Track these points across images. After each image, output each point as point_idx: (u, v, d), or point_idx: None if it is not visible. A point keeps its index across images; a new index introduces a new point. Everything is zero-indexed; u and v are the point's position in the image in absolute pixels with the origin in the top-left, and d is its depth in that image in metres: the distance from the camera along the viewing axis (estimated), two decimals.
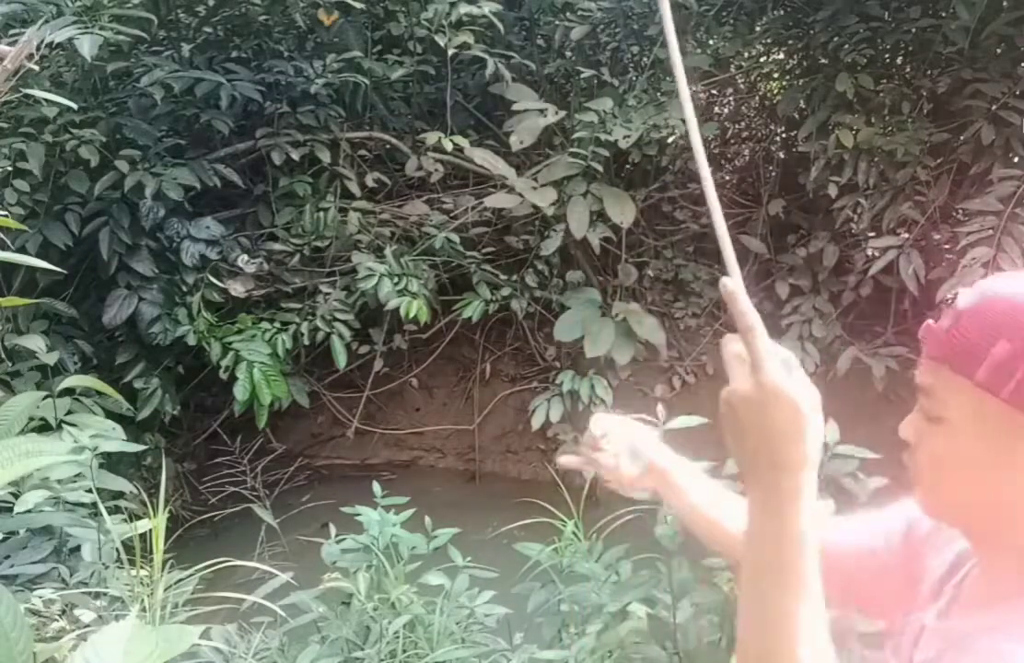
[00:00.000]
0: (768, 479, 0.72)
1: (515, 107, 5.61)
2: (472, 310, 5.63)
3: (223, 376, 5.15)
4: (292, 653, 2.48)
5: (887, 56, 5.77)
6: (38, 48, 3.41)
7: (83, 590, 2.25)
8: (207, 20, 5.72)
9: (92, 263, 5.10)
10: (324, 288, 5.64)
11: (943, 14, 5.11)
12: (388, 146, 6.10)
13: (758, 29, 6.28)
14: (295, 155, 5.50)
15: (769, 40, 6.47)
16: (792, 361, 0.74)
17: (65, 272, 3.99)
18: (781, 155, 6.61)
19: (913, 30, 5.37)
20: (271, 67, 5.56)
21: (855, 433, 1.78)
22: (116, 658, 1.14)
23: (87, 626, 2.09)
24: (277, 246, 5.64)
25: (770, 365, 0.71)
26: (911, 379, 0.88)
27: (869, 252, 5.28)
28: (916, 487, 0.88)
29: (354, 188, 5.73)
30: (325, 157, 5.62)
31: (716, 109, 7.14)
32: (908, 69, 5.79)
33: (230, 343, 5.19)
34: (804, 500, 0.72)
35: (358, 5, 5.30)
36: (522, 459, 6.19)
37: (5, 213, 3.03)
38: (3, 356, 4.27)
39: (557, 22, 6.15)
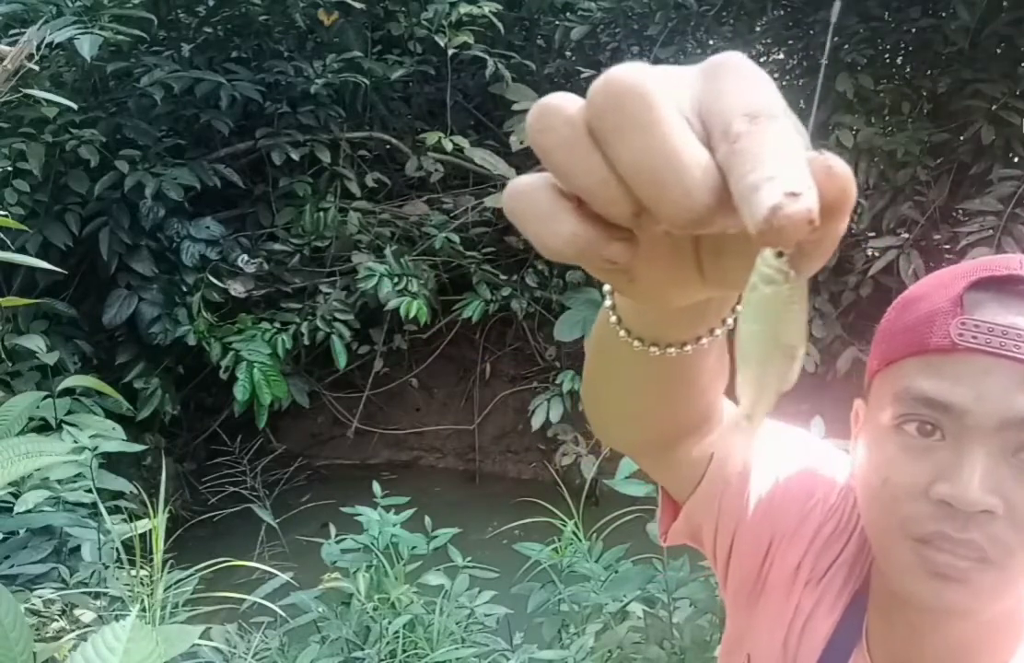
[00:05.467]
0: None
1: (515, 107, 5.61)
2: (472, 310, 5.62)
3: (223, 376, 5.14)
4: (292, 653, 2.48)
5: (887, 56, 5.77)
6: (38, 48, 3.41)
7: (83, 590, 2.26)
8: (207, 20, 5.72)
9: (92, 263, 5.10)
10: (324, 288, 5.64)
11: (943, 14, 5.11)
12: (388, 146, 6.09)
13: (758, 29, 6.28)
14: (295, 155, 5.50)
15: (769, 40, 6.47)
16: None
17: (65, 272, 3.98)
18: None
19: (913, 30, 5.36)
20: (271, 67, 5.56)
21: None
22: (116, 658, 1.14)
23: (87, 626, 2.09)
24: (277, 246, 5.64)
25: None
26: None
27: (869, 252, 5.28)
28: (986, 568, 0.61)
29: (354, 188, 5.73)
30: (325, 157, 5.62)
31: None
32: (908, 69, 5.79)
33: (230, 343, 5.19)
34: None
35: (358, 5, 5.30)
36: (522, 459, 6.19)
37: (5, 213, 3.02)
38: (3, 356, 4.27)
39: (557, 22, 6.14)
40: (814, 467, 0.80)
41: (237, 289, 5.37)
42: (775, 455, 0.79)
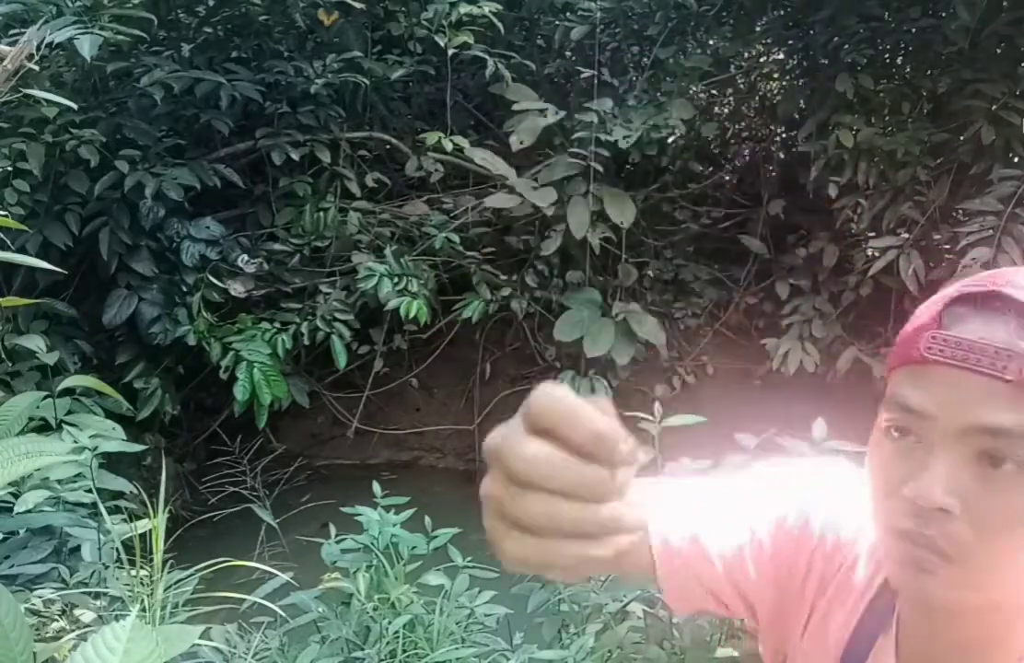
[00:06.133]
0: None
1: (515, 107, 5.61)
2: (472, 310, 5.62)
3: (223, 376, 5.14)
4: (292, 653, 2.48)
5: (887, 56, 5.77)
6: (38, 48, 3.41)
7: (83, 590, 2.25)
8: (207, 20, 5.72)
9: (92, 263, 5.10)
10: (324, 288, 5.64)
11: (943, 14, 5.11)
12: (388, 146, 6.10)
13: (758, 29, 6.28)
14: (295, 155, 5.50)
15: (769, 40, 6.47)
16: None
17: (65, 272, 3.98)
18: (781, 155, 6.61)
19: (913, 30, 5.37)
20: (271, 67, 5.56)
21: (855, 432, 1.77)
22: (116, 658, 1.14)
23: (87, 626, 2.09)
24: (277, 246, 5.65)
25: None
26: None
27: (869, 252, 5.28)
28: (949, 563, 0.65)
29: (354, 188, 5.73)
30: (325, 157, 5.62)
31: (716, 109, 7.14)
32: (908, 69, 5.80)
33: (230, 343, 5.19)
34: None
35: (358, 5, 5.30)
36: None
37: (5, 213, 3.02)
38: (3, 356, 4.27)
39: (557, 22, 6.15)
40: (807, 491, 0.86)
41: (237, 289, 5.37)
42: (754, 509, 0.85)
